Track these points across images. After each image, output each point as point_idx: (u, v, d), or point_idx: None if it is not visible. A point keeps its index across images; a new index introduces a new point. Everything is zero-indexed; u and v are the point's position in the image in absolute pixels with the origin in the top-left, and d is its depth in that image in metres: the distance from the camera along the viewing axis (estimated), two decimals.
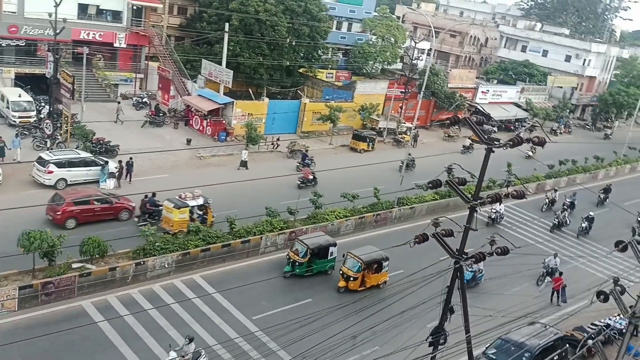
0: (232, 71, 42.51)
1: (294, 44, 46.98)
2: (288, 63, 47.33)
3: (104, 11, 45.44)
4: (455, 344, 15.88)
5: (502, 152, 16.85)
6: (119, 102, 41.80)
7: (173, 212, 25.99)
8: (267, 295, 22.95)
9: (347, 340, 20.62)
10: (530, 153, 48.66)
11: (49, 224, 24.91)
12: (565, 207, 37.28)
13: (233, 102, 42.49)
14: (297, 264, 24.49)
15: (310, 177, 35.33)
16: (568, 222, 36.16)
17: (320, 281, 24.84)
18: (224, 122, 42.18)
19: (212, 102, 42.10)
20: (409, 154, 41.37)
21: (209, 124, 41.70)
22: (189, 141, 39.28)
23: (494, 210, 34.13)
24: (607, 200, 41.73)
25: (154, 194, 27.02)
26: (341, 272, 24.35)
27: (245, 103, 43.54)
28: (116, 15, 46.16)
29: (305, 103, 45.96)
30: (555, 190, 40.05)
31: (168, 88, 46.25)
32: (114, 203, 26.86)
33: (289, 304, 22.62)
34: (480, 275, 26.53)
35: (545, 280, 27.86)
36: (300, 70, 51.77)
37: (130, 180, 31.27)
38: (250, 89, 46.66)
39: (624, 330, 15.47)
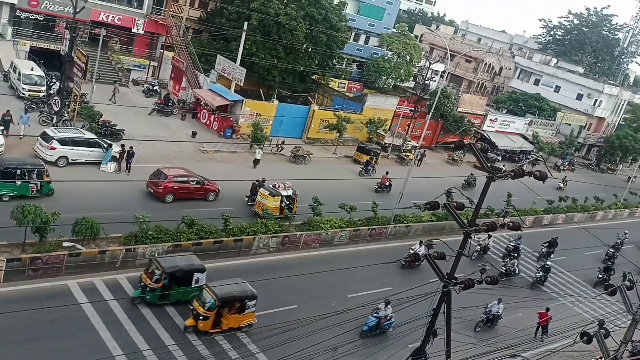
0: (245, 70, 42.67)
1: (310, 50, 47.17)
2: (302, 68, 47.49)
3: None
4: None
5: (521, 181, 16.84)
6: (115, 82, 41.91)
7: (268, 199, 29.34)
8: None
9: (327, 350, 20.63)
10: (562, 185, 53.95)
11: (150, 197, 28.57)
12: (508, 252, 34.20)
13: (243, 100, 42.61)
14: (148, 288, 20.20)
15: (387, 183, 38.93)
16: (517, 272, 32.15)
17: (307, 289, 24.77)
18: (231, 119, 42.29)
19: (222, 97, 42.21)
20: (472, 173, 44.51)
21: (216, 119, 41.81)
22: (194, 134, 39.37)
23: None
24: (552, 255, 36.20)
25: (263, 180, 30.64)
26: (191, 307, 20.04)
27: (255, 103, 43.66)
28: (138, 1, 46.40)
29: (314, 110, 46.09)
30: (489, 236, 34.00)
31: (180, 79, 46.40)
32: (205, 184, 29.93)
33: (275, 308, 22.51)
34: (387, 322, 22.93)
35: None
36: (313, 77, 51.94)
37: (128, 171, 30.71)
38: (261, 90, 46.79)
39: None
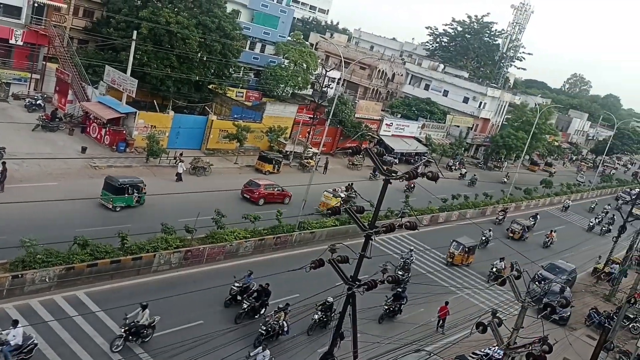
0: (136, 80, 41.14)
1: (204, 59, 46.39)
2: (197, 78, 46.59)
3: (1, 5, 42.54)
4: None
5: (417, 181, 17.45)
6: None
7: (331, 200, 37.26)
8: (157, 315, 21.95)
9: None
10: (505, 180, 65.05)
11: (246, 201, 36.52)
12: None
13: (136, 112, 41.04)
14: None
15: (412, 185, 44.59)
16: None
17: (213, 303, 24.24)
18: (124, 132, 40.57)
19: (112, 110, 40.39)
20: (474, 175, 50.85)
21: (107, 132, 39.93)
22: (84, 149, 37.34)
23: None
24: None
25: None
26: None
27: (149, 114, 42.21)
28: (14, 11, 43.33)
29: (212, 120, 45.34)
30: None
31: (66, 92, 43.85)
32: (283, 191, 38.19)
33: (180, 325, 21.83)
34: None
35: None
36: (210, 87, 51.13)
37: (2, 188, 28.48)
38: (155, 101, 45.33)
39: None
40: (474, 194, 52.06)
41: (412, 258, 33.34)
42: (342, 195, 36.01)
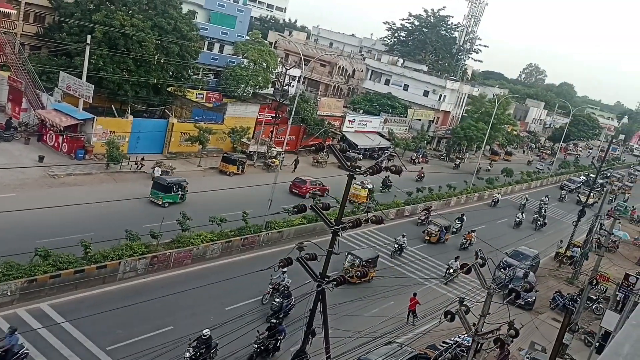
0: (93, 86, 40.23)
1: (162, 61, 45.71)
2: (155, 81, 45.88)
3: None
4: None
5: (380, 176, 17.57)
6: None
7: (360, 191, 44.72)
8: (124, 324, 21.64)
9: None
10: (489, 167, 69.12)
11: (294, 195, 42.65)
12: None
13: (94, 118, 40.17)
14: None
15: (422, 175, 55.44)
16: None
17: (182, 307, 23.98)
18: (82, 138, 39.66)
19: (69, 117, 39.43)
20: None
21: (65, 140, 38.98)
22: (41, 158, 36.38)
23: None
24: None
25: None
26: None
27: (108, 120, 41.38)
28: None
29: (173, 123, 44.72)
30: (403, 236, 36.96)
31: (19, 100, 42.60)
32: (324, 186, 43.11)
33: (149, 332, 21.52)
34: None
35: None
36: (169, 89, 50.43)
37: None
38: (113, 106, 44.45)
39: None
40: (438, 186, 52.69)
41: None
42: (369, 186, 45.29)
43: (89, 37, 40.46)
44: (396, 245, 36.25)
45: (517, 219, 51.46)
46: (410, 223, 43.97)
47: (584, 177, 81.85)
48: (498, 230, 47.50)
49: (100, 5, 44.86)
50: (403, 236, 36.93)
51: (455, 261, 34.54)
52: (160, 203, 34.17)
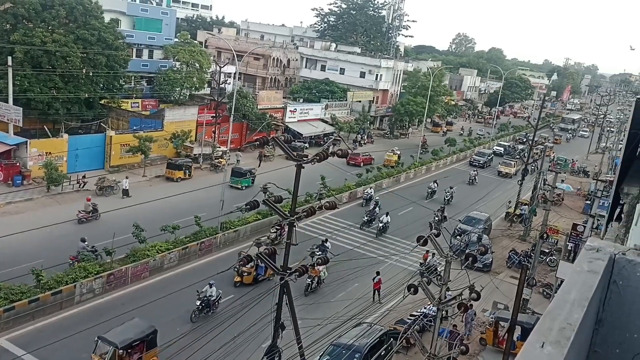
0: (21, 108, 38.62)
1: (90, 74, 44.26)
2: (87, 95, 44.42)
3: None
4: (289, 358, 16.13)
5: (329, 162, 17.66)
6: None
7: (392, 156, 58.13)
8: (89, 346, 21.02)
9: None
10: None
11: (351, 166, 51.69)
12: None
13: (27, 141, 38.59)
14: None
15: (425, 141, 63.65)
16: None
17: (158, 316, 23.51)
18: (18, 164, 38.08)
19: (1, 143, 37.76)
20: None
21: (0, 168, 37.34)
22: None
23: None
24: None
25: None
26: None
27: (42, 142, 39.86)
28: None
29: (110, 136, 43.48)
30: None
31: None
32: (370, 156, 57.32)
33: None
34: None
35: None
36: (102, 102, 48.95)
37: None
38: (45, 126, 42.85)
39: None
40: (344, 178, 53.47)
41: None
42: (399, 152, 59.07)
43: (9, 58, 38.67)
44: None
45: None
46: (358, 206, 44.46)
47: (499, 148, 76.13)
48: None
49: (17, 24, 42.92)
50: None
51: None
52: (240, 187, 42.22)
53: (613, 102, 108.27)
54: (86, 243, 26.74)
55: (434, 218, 37.53)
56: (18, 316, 21.94)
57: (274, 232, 31.93)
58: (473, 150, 72.16)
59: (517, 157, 65.71)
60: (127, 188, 38.12)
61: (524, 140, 77.56)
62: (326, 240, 32.31)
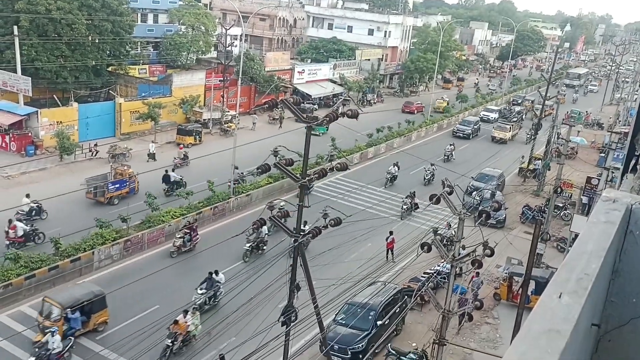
0: (29, 78, 38.60)
1: (97, 41, 43.95)
2: (94, 62, 44.21)
3: None
4: (305, 317, 16.39)
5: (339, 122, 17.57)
6: None
7: (442, 103, 64.62)
8: (109, 310, 21.52)
9: (202, 337, 20.31)
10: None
11: (405, 113, 57.67)
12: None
13: (37, 111, 38.70)
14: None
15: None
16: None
17: (164, 286, 23.96)
18: (30, 134, 38.29)
19: (11, 114, 37.93)
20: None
21: (12, 139, 37.58)
22: None
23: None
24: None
25: None
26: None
27: (52, 111, 39.94)
28: None
29: (120, 103, 43.44)
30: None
31: None
32: (422, 105, 62.12)
33: (137, 315, 21.52)
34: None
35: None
36: (110, 69, 48.74)
37: None
38: (55, 95, 42.86)
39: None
40: (397, 123, 53.00)
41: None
42: (447, 99, 66.98)
43: (15, 27, 38.47)
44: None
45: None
46: (374, 165, 44.33)
47: (487, 114, 66.51)
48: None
49: None
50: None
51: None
52: (318, 134, 44.15)
53: (628, 52, 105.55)
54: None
55: (402, 207, 34.30)
56: (39, 284, 22.43)
57: (180, 237, 26.78)
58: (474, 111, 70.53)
59: (514, 120, 62.64)
60: (153, 152, 39.10)
61: (519, 101, 75.19)
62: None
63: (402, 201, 35.13)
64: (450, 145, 48.50)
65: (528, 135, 54.47)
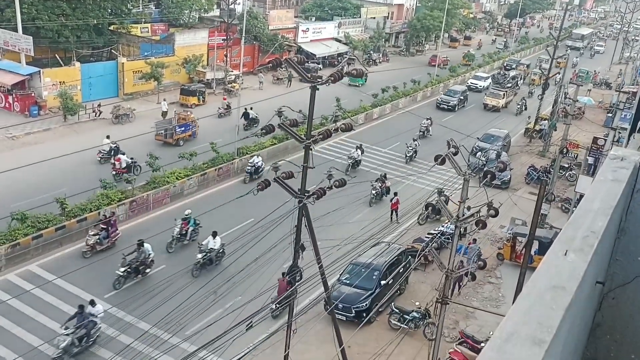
0: (31, 37, 38.14)
1: None
2: (95, 21, 43.59)
3: None
4: (310, 277, 16.56)
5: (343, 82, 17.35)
6: None
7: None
8: (116, 269, 21.80)
9: (208, 296, 20.59)
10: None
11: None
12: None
13: (40, 71, 38.39)
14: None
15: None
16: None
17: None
18: (33, 95, 38.10)
19: (14, 74, 37.65)
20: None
21: (15, 99, 37.43)
22: None
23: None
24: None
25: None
26: None
27: (54, 71, 39.63)
28: None
29: (122, 63, 43.01)
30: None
31: None
32: (447, 58, 67.59)
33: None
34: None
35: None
36: (111, 28, 48.07)
37: None
38: (57, 55, 42.43)
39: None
40: (402, 83, 52.39)
41: None
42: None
43: None
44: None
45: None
46: (379, 126, 44.02)
47: (475, 82, 60.62)
48: None
49: None
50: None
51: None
52: (357, 84, 50.89)
53: (639, 9, 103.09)
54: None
55: (372, 192, 30.68)
56: (47, 243, 22.69)
57: (93, 235, 23.03)
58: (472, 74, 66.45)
59: (508, 85, 58.59)
60: (166, 110, 39.44)
61: (514, 66, 70.33)
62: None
63: (372, 185, 30.85)
64: (427, 119, 42.97)
65: (518, 106, 52.33)
